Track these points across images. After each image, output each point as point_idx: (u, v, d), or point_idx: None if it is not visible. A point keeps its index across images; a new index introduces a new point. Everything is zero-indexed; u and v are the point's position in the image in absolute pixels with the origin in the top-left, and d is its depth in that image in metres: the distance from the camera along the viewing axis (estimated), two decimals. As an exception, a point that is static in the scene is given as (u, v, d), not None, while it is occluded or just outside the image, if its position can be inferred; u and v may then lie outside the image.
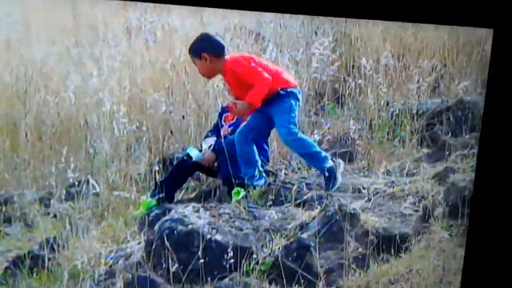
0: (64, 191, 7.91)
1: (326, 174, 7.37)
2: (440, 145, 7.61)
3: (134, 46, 10.14)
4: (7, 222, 7.93)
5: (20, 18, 10.97)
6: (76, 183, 8.16)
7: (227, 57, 7.86)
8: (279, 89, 7.69)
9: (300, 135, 7.67)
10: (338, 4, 3.73)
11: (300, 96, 7.97)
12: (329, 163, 7.37)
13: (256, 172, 7.64)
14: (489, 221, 4.05)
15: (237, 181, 7.47)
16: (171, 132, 8.74)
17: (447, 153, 7.41)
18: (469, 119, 7.69)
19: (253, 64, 7.72)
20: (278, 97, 7.70)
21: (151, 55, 9.66)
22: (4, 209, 8.13)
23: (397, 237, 5.99)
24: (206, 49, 7.75)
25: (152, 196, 7.93)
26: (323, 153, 7.56)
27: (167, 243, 6.08)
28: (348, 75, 8.88)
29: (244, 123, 7.82)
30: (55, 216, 7.82)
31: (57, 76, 9.45)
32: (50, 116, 8.98)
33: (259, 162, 7.74)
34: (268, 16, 9.89)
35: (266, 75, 7.60)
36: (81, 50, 10.30)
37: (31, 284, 6.57)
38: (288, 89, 7.77)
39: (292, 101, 7.71)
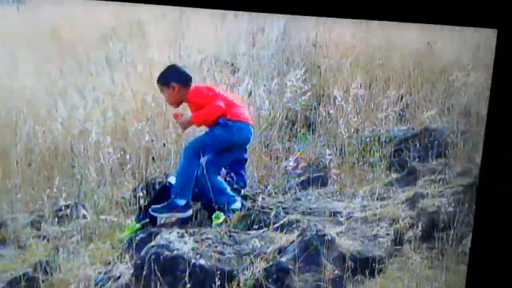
0: (54, 216, 8.07)
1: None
2: (408, 171, 7.83)
3: (116, 78, 10.25)
4: (1, 245, 8.02)
5: (7, 51, 11.08)
6: (65, 208, 8.17)
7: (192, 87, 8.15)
8: (221, 118, 7.91)
9: (188, 156, 7.97)
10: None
11: (249, 132, 8.18)
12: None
13: (229, 196, 7.83)
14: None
15: (216, 206, 7.63)
16: (153, 159, 8.88)
17: (416, 178, 7.58)
18: (435, 146, 7.90)
19: (210, 93, 8.07)
20: (215, 123, 7.95)
21: (132, 86, 9.77)
22: None
23: (371, 260, 6.16)
24: (175, 78, 8.12)
25: (137, 220, 8.07)
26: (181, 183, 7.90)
27: (154, 268, 6.21)
28: (319, 104, 9.04)
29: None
30: (46, 239, 7.93)
31: (45, 107, 9.56)
32: (39, 144, 9.13)
33: (227, 189, 7.91)
34: (242, 48, 10.11)
35: (219, 103, 7.94)
36: (66, 81, 10.45)
37: None
38: (229, 121, 7.98)
39: (221, 132, 7.95)
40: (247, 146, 8.32)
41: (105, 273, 6.87)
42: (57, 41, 11.47)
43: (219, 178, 7.87)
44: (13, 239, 8.11)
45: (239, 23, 11.06)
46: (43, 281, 6.71)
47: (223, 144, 7.99)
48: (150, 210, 7.82)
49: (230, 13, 11.27)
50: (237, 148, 8.23)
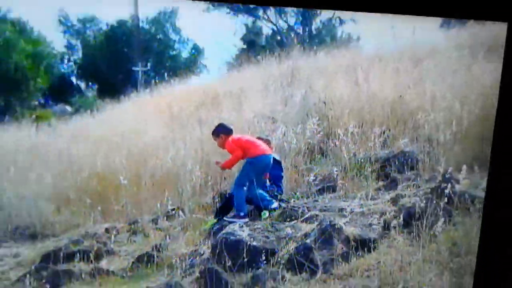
0: (164, 215, 7.82)
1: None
2: (391, 180, 7.30)
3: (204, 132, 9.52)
4: (134, 234, 7.73)
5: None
6: (171, 210, 7.88)
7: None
8: (247, 158, 7.67)
9: (239, 188, 7.58)
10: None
11: (266, 159, 7.65)
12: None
13: (268, 200, 7.30)
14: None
15: (263, 207, 7.19)
16: (224, 178, 8.46)
17: (396, 184, 7.11)
18: (409, 162, 7.44)
19: (234, 145, 7.68)
20: (245, 162, 7.69)
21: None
22: (132, 226, 7.98)
23: (367, 241, 5.66)
24: (222, 131, 7.77)
25: (215, 217, 7.52)
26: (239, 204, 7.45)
27: (224, 248, 5.85)
28: (328, 139, 8.56)
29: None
30: (161, 230, 7.61)
31: (162, 150, 9.12)
32: (159, 170, 8.80)
33: (267, 196, 7.38)
34: (279, 108, 9.44)
35: (239, 152, 7.61)
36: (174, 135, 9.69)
37: (147, 272, 6.39)
38: (252, 158, 7.61)
39: (249, 165, 7.60)
40: (282, 165, 7.96)
41: (194, 251, 6.53)
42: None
43: (261, 190, 7.43)
44: (141, 230, 7.84)
45: (277, 93, 10.28)
46: (157, 256, 6.58)
47: (253, 172, 7.51)
48: (224, 218, 7.40)
49: (274, 88, 10.70)
50: (265, 170, 7.75)
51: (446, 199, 5.62)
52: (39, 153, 9.85)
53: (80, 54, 20.44)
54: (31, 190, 8.74)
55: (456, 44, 10.70)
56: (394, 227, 5.67)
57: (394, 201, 6.42)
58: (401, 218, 5.71)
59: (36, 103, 17.52)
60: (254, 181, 7.52)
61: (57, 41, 20.28)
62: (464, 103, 7.45)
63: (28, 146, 10.39)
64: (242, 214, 7.37)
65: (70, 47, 20.09)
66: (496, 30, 11.43)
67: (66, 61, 20.07)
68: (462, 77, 8.27)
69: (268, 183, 7.55)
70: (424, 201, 5.75)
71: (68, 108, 17.06)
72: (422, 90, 8.35)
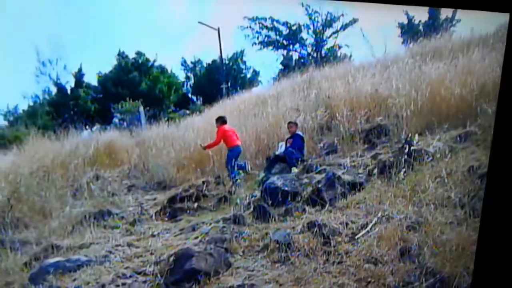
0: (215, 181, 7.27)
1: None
2: (372, 143, 6.57)
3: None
4: (218, 184, 7.04)
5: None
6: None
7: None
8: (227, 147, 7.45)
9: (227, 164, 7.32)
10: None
11: (237, 148, 7.36)
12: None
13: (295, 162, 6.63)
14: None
15: (291, 165, 6.58)
16: (269, 148, 7.68)
17: (376, 146, 6.42)
18: (383, 131, 6.70)
19: (219, 133, 7.45)
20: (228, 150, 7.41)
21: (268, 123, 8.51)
22: (217, 180, 7.22)
23: (358, 184, 5.06)
24: (218, 121, 7.59)
25: (264, 172, 6.76)
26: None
27: (267, 192, 5.33)
28: (332, 120, 7.72)
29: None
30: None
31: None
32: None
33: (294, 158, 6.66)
34: (300, 103, 8.87)
35: (218, 139, 7.45)
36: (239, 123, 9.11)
37: (224, 207, 5.86)
38: (228, 147, 7.32)
39: (228, 152, 7.29)
40: (304, 138, 7.13)
41: (252, 196, 5.75)
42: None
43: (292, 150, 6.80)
44: (222, 182, 7.09)
45: (300, 93, 9.81)
46: (230, 198, 6.07)
47: (232, 156, 7.25)
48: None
49: (297, 90, 9.98)
50: (237, 155, 7.39)
51: (407, 155, 4.98)
52: (168, 139, 9.61)
53: (192, 81, 21.32)
54: (163, 160, 8.51)
55: (411, 53, 9.95)
56: (374, 174, 5.08)
57: (374, 157, 5.83)
58: (378, 168, 5.13)
59: (169, 110, 17.77)
60: (233, 161, 7.26)
61: (180, 75, 20.92)
62: (417, 91, 6.66)
63: (162, 135, 10.16)
64: (232, 175, 7.14)
65: (187, 78, 21.22)
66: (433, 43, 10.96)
67: (185, 85, 21.09)
68: (415, 74, 7.48)
69: (293, 150, 6.73)
70: (394, 157, 5.16)
71: (187, 111, 17.09)
72: (390, 85, 7.63)
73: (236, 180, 6.92)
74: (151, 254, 4.25)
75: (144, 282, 3.62)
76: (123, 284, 3.55)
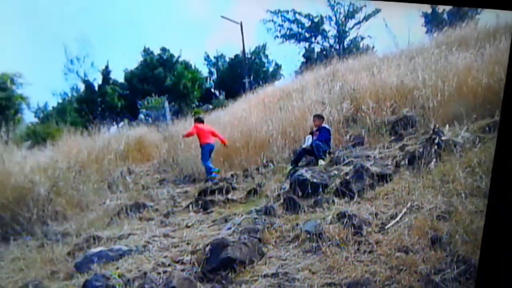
0: (256, 169, 7.31)
1: None
2: (399, 135, 6.51)
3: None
4: (246, 177, 7.15)
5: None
6: (266, 163, 7.34)
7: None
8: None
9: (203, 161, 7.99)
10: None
11: (208, 146, 8.02)
12: None
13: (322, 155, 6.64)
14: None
15: (318, 157, 6.56)
16: (295, 141, 7.75)
17: (403, 138, 6.36)
18: (410, 123, 6.67)
19: (195, 129, 8.15)
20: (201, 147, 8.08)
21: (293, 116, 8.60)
22: (245, 173, 7.38)
23: (386, 175, 4.99)
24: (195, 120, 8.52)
25: (291, 165, 6.79)
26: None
27: (296, 184, 5.31)
28: (357, 112, 7.73)
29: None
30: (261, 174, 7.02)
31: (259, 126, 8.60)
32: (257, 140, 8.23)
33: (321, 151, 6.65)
34: (326, 97, 8.82)
35: (192, 130, 8.21)
36: (265, 117, 9.19)
37: (253, 200, 5.88)
38: (201, 144, 8.04)
39: (201, 149, 8.00)
40: (330, 131, 7.13)
41: (280, 188, 5.81)
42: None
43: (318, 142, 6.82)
44: (250, 175, 7.16)
45: (324, 86, 9.84)
46: (259, 190, 6.10)
47: (205, 152, 7.89)
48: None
49: (322, 83, 9.92)
50: (210, 151, 8.10)
51: (436, 146, 4.95)
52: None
53: (215, 76, 21.53)
54: (191, 154, 8.70)
55: (436, 43, 9.80)
56: (402, 166, 5.06)
57: (401, 149, 5.77)
58: (407, 160, 5.08)
59: (194, 105, 17.92)
60: (208, 156, 7.89)
61: (203, 70, 21.15)
62: (444, 81, 6.60)
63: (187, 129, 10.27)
64: (209, 172, 7.73)
65: (210, 73, 21.42)
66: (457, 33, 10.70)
67: (208, 80, 21.28)
68: (441, 64, 7.37)
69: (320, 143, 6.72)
70: (422, 148, 5.08)
71: (210, 106, 17.26)
72: (416, 76, 7.53)
73: (212, 177, 7.51)
74: (187, 244, 4.41)
75: (183, 270, 3.75)
76: (164, 272, 3.68)
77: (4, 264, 4.79)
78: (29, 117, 15.46)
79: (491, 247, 1.80)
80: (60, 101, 17.22)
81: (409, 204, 3.95)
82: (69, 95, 17.11)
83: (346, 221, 3.97)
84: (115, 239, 4.93)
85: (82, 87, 16.95)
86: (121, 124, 14.64)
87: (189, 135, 8.30)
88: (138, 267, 3.88)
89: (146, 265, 3.89)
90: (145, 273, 3.68)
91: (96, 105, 16.51)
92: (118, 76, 18.14)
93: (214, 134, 8.33)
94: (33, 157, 8.60)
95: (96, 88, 17.06)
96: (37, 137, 11.97)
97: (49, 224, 6.07)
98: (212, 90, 21.25)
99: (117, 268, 3.92)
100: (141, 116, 15.68)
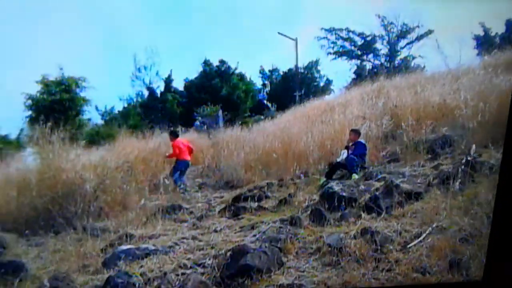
0: (291, 180, 7.24)
1: None
2: (435, 154, 6.31)
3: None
4: (280, 187, 7.08)
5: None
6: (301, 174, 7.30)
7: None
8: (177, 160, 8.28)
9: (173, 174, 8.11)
10: None
11: (185, 162, 8.30)
12: None
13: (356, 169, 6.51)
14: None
15: (352, 172, 6.45)
16: (332, 154, 7.59)
17: (439, 157, 6.18)
18: (448, 142, 6.46)
19: (175, 147, 8.26)
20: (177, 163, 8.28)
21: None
22: (280, 182, 7.26)
23: (416, 193, 4.85)
24: (171, 135, 8.57)
25: (325, 177, 6.71)
26: None
27: (327, 195, 5.27)
28: (396, 129, 7.52)
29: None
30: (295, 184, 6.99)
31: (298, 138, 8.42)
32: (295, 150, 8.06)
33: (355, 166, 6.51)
34: (367, 111, 8.51)
35: (174, 152, 8.29)
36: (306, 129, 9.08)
37: (284, 209, 5.76)
38: (179, 160, 8.22)
39: (177, 164, 8.22)
40: (366, 146, 6.97)
41: (312, 199, 5.74)
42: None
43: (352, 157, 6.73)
44: (284, 184, 7.12)
45: (368, 102, 9.65)
46: (290, 200, 5.98)
47: (182, 167, 8.15)
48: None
49: (366, 99, 9.71)
50: (185, 168, 8.38)
51: (470, 167, 4.67)
52: (240, 141, 9.82)
53: (268, 88, 21.64)
54: (233, 161, 8.73)
55: (483, 65, 9.31)
56: (434, 185, 4.83)
57: (435, 167, 5.57)
58: (439, 179, 4.85)
59: (246, 115, 18.15)
60: (178, 173, 8.09)
61: (257, 82, 21.36)
62: (485, 102, 6.23)
63: (235, 137, 10.46)
64: (178, 184, 7.88)
65: (264, 85, 21.63)
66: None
67: (261, 92, 21.51)
68: (485, 86, 6.98)
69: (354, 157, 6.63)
70: (455, 168, 4.82)
71: (261, 117, 17.34)
72: (458, 96, 7.24)
73: (182, 190, 7.62)
74: (212, 248, 4.40)
75: (202, 273, 3.75)
76: (183, 274, 3.71)
77: (45, 255, 4.95)
78: (97, 119, 16.33)
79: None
80: (126, 105, 18.14)
81: (434, 224, 3.74)
82: (134, 100, 18.01)
83: (369, 237, 3.82)
84: (146, 238, 5.04)
85: (146, 93, 17.82)
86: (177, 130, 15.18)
87: (173, 155, 8.45)
88: (160, 267, 3.93)
89: (168, 266, 3.94)
90: (165, 274, 3.73)
91: (157, 111, 17.19)
92: (178, 84, 18.93)
93: (190, 151, 8.60)
94: (87, 156, 9.05)
95: (159, 95, 17.84)
96: (100, 137, 12.57)
97: (91, 220, 6.21)
98: (265, 102, 21.49)
99: (141, 267, 3.99)
100: (197, 123, 16.13)
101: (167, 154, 8.70)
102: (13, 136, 12.38)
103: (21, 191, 6.64)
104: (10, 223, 6.06)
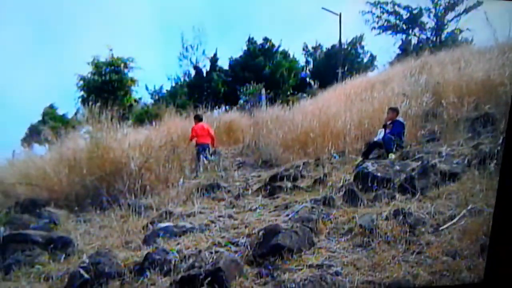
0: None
1: None
2: (476, 132, 5.97)
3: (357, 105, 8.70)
4: (317, 166, 6.93)
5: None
6: (338, 153, 7.06)
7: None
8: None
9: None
10: None
11: (202, 146, 8.15)
12: None
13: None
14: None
15: (388, 151, 6.25)
16: (370, 133, 7.34)
17: (479, 136, 5.86)
18: (489, 121, 6.10)
19: (193, 131, 8.39)
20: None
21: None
22: (316, 161, 7.13)
23: (453, 174, 4.67)
24: (195, 118, 8.67)
25: (361, 156, 6.61)
26: None
27: (361, 175, 5.19)
28: (437, 107, 7.20)
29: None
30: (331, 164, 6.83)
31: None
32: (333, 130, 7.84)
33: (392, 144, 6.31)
34: (408, 87, 8.08)
35: (192, 135, 8.38)
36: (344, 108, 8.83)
37: (318, 188, 5.66)
38: (198, 144, 8.23)
39: (196, 147, 8.22)
40: (404, 125, 6.72)
41: (345, 180, 5.51)
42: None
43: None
44: (321, 164, 6.91)
45: (410, 79, 9.09)
46: (324, 180, 5.89)
47: (199, 149, 8.09)
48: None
49: (408, 76, 9.29)
50: (203, 151, 8.09)
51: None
52: (279, 120, 9.69)
53: (311, 66, 21.12)
54: (272, 140, 8.70)
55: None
56: (473, 165, 4.59)
57: (475, 147, 5.25)
58: (478, 159, 4.60)
59: (288, 93, 18.03)
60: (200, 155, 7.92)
61: (301, 59, 20.69)
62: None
63: (275, 116, 10.31)
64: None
65: (307, 62, 21.23)
66: None
67: (304, 70, 21.00)
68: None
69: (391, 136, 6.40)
70: (495, 148, 4.54)
71: (304, 95, 17.15)
72: (503, 71, 6.73)
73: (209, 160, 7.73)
74: (245, 227, 4.49)
75: (235, 252, 3.86)
76: (216, 252, 3.80)
77: (93, 231, 5.18)
78: (147, 98, 16.87)
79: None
80: (174, 85, 18.53)
81: (469, 207, 3.60)
82: (181, 80, 18.37)
83: (402, 219, 3.75)
84: (185, 216, 5.20)
85: (193, 72, 18.09)
86: (222, 109, 15.39)
87: (190, 138, 8.54)
88: (196, 244, 4.07)
89: (203, 244, 4.06)
90: (199, 251, 3.84)
91: (203, 90, 17.46)
92: (223, 63, 18.99)
93: (210, 136, 8.56)
94: (134, 135, 9.34)
95: (204, 74, 18.06)
96: (148, 117, 12.94)
97: (136, 197, 6.44)
98: (308, 79, 21.19)
99: (178, 244, 4.13)
100: (241, 101, 16.22)
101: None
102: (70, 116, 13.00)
103: (72, 169, 6.96)
104: (62, 200, 6.41)
